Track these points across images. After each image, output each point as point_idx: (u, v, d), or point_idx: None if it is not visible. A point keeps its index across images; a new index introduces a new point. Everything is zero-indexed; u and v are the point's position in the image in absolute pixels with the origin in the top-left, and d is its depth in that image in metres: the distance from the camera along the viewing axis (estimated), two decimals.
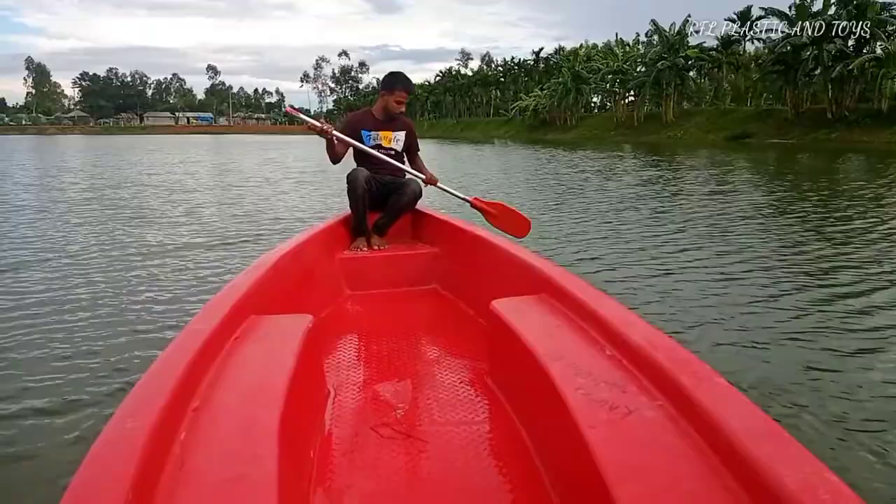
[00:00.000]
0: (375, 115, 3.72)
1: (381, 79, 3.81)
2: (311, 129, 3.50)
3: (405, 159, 3.82)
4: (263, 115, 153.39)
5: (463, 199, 3.78)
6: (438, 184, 3.78)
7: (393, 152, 3.72)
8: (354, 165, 3.62)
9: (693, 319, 3.96)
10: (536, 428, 1.66)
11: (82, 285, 4.84)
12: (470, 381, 2.13)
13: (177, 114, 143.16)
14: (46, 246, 6.46)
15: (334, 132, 3.51)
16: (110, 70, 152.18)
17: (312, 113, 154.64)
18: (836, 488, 0.91)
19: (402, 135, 3.75)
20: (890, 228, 7.35)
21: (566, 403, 1.31)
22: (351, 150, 3.68)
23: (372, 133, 3.69)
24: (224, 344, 1.62)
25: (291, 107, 4.39)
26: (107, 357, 3.31)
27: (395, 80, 3.67)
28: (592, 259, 5.86)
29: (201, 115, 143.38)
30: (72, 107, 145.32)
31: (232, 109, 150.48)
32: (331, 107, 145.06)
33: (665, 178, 14.54)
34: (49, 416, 2.65)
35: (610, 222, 8.00)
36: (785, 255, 6.00)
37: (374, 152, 3.61)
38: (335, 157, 3.68)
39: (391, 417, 1.87)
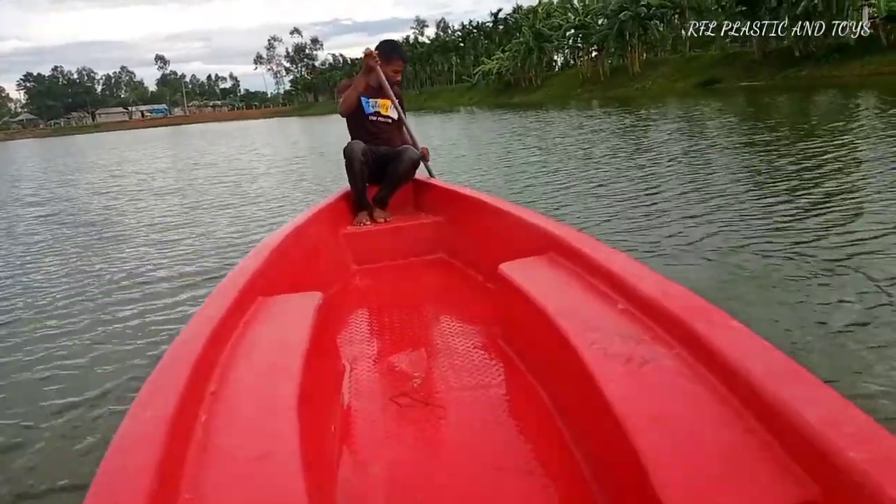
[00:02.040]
0: (372, 83, 3.67)
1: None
2: (364, 57, 3.57)
3: (401, 130, 3.81)
4: (219, 102, 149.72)
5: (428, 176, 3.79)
6: (428, 161, 3.78)
7: (390, 121, 3.73)
8: (350, 139, 3.61)
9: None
10: (553, 386, 1.66)
11: (91, 288, 4.78)
12: (483, 345, 2.15)
13: (130, 108, 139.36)
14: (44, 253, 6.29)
15: (380, 70, 3.57)
16: (55, 69, 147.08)
17: (269, 95, 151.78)
18: (861, 422, 0.90)
19: (395, 101, 3.72)
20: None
21: (581, 359, 1.31)
22: (346, 123, 3.74)
23: (371, 100, 3.68)
24: (235, 327, 1.62)
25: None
26: (121, 349, 3.35)
27: (392, 50, 3.71)
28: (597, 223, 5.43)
29: (155, 107, 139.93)
30: (19, 110, 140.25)
31: (186, 99, 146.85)
32: (288, 87, 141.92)
33: (642, 133, 13.61)
34: (65, 412, 2.65)
35: (593, 183, 7.36)
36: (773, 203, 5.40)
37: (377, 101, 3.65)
38: (349, 105, 3.63)
39: (408, 387, 1.87)
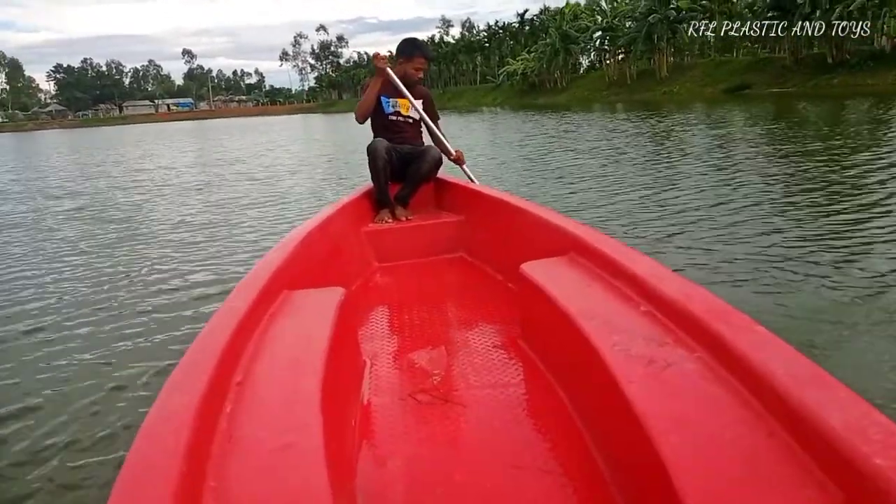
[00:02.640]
0: (387, 85, 3.65)
1: (394, 48, 3.83)
2: (376, 62, 3.58)
3: (423, 130, 3.78)
4: (244, 97, 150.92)
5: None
6: (465, 166, 3.77)
7: (411, 121, 3.70)
8: (373, 137, 3.61)
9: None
10: (573, 387, 1.67)
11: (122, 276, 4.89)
12: (503, 344, 2.15)
13: (156, 101, 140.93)
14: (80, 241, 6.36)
15: (389, 71, 3.55)
16: (85, 61, 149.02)
17: (294, 91, 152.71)
18: (887, 428, 0.87)
19: (419, 104, 3.69)
20: None
21: (603, 360, 1.31)
22: (370, 121, 3.71)
23: (391, 100, 3.66)
24: (261, 319, 1.64)
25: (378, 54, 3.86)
26: (147, 340, 3.43)
27: (414, 48, 3.67)
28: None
29: (181, 101, 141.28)
30: (48, 101, 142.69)
31: (212, 93, 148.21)
32: (312, 84, 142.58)
33: (667, 138, 13.32)
34: (93, 401, 2.71)
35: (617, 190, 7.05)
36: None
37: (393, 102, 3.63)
38: (364, 111, 3.66)
39: (428, 384, 1.88)
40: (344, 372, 1.69)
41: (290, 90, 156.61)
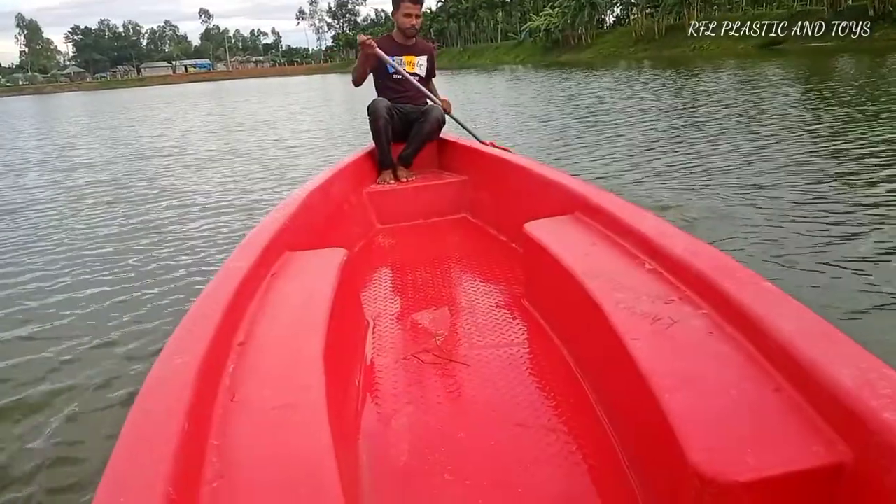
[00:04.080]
0: (396, 39, 3.58)
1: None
2: (363, 48, 3.47)
3: (427, 86, 3.65)
4: (261, 58, 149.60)
5: (476, 138, 3.64)
6: (452, 112, 3.65)
7: (416, 78, 3.57)
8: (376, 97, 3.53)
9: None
10: (577, 345, 1.66)
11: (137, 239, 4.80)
12: (506, 304, 2.14)
13: (173, 62, 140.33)
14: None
15: (377, 50, 3.43)
16: (102, 22, 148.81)
17: (311, 51, 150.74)
18: None
19: (423, 59, 3.62)
20: None
21: (607, 319, 1.30)
22: (372, 80, 3.61)
23: (395, 58, 3.54)
24: (262, 280, 1.63)
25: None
26: (154, 294, 3.45)
27: None
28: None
29: (198, 62, 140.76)
30: (67, 63, 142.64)
31: (229, 54, 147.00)
32: (330, 43, 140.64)
33: (702, 101, 12.44)
34: (94, 359, 2.71)
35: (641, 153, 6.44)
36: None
37: (399, 69, 3.51)
38: (359, 78, 3.60)
39: (431, 344, 1.87)
40: (347, 332, 1.70)
41: (307, 50, 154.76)
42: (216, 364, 1.17)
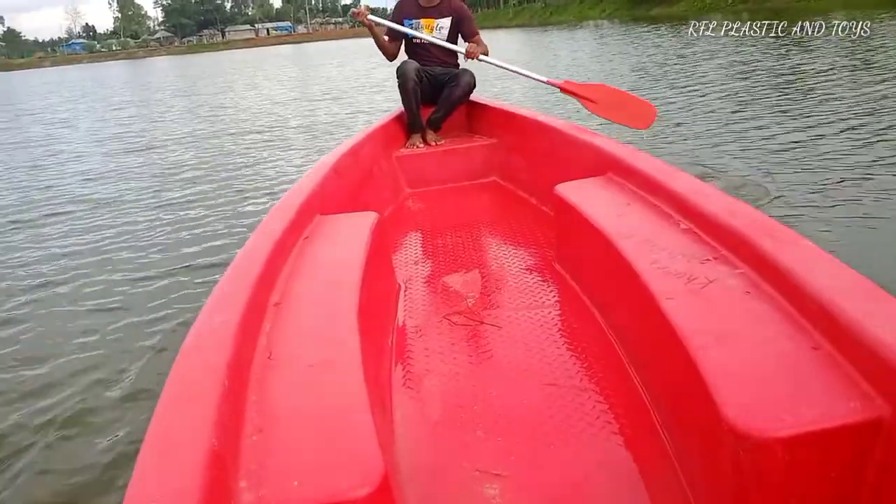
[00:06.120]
0: (420, 0, 3.47)
1: None
2: (355, 17, 3.39)
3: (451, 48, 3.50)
4: (340, 20, 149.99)
5: (537, 79, 3.19)
6: (482, 57, 3.29)
7: (438, 41, 3.46)
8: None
9: None
10: (609, 306, 1.64)
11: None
12: (537, 267, 2.13)
13: (256, 25, 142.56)
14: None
15: (370, 17, 3.34)
16: None
17: (389, 11, 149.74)
18: None
19: (446, 21, 3.45)
20: None
21: (640, 279, 1.28)
22: (403, 44, 3.54)
23: (413, 21, 3.47)
24: (295, 242, 1.65)
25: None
26: (192, 253, 3.61)
27: None
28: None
29: (280, 24, 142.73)
30: (156, 28, 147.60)
31: (309, 16, 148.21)
32: None
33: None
34: (134, 315, 2.84)
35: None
36: None
37: (418, 33, 3.42)
38: (386, 53, 3.52)
39: (462, 306, 1.88)
40: (379, 294, 1.72)
41: (385, 10, 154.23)
42: (253, 323, 1.19)
